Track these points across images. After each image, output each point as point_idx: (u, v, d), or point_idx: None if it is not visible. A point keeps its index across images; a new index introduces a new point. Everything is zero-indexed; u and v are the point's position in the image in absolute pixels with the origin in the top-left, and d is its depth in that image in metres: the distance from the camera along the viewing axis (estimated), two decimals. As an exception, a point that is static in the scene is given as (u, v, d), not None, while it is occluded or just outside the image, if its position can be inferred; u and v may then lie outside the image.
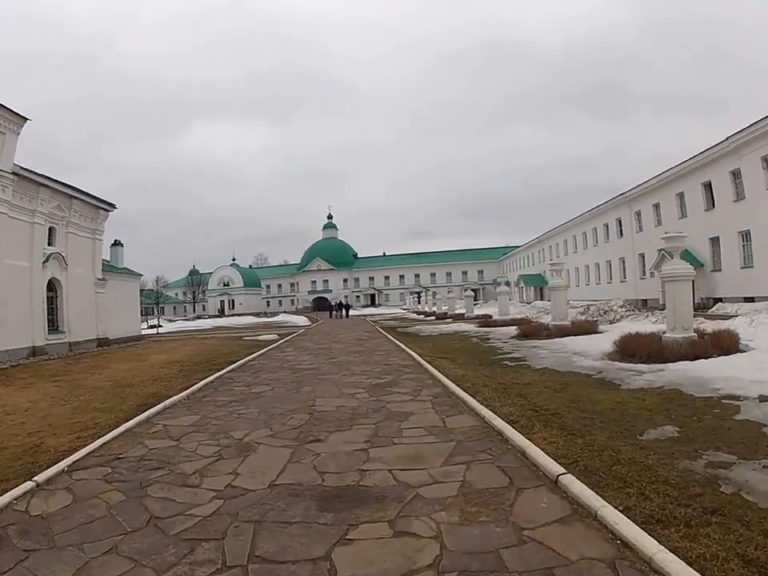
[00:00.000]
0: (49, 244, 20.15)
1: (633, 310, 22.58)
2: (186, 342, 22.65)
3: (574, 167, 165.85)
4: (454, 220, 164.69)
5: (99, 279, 23.71)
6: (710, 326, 11.61)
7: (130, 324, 27.27)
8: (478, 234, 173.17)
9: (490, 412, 5.76)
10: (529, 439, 4.64)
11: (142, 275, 31.67)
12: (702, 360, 8.83)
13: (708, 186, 28.90)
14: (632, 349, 10.04)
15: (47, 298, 19.78)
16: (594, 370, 8.91)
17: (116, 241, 29.20)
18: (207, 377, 9.89)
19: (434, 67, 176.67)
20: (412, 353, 12.70)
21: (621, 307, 23.45)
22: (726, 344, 9.52)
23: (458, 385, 7.69)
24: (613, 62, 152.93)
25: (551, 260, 39.64)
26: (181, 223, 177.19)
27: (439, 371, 9.25)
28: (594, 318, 20.21)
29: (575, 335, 15.31)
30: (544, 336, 15.90)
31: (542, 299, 55.53)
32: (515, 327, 18.62)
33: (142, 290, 78.51)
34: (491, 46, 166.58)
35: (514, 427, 5.08)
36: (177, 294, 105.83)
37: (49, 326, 19.72)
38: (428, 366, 10.10)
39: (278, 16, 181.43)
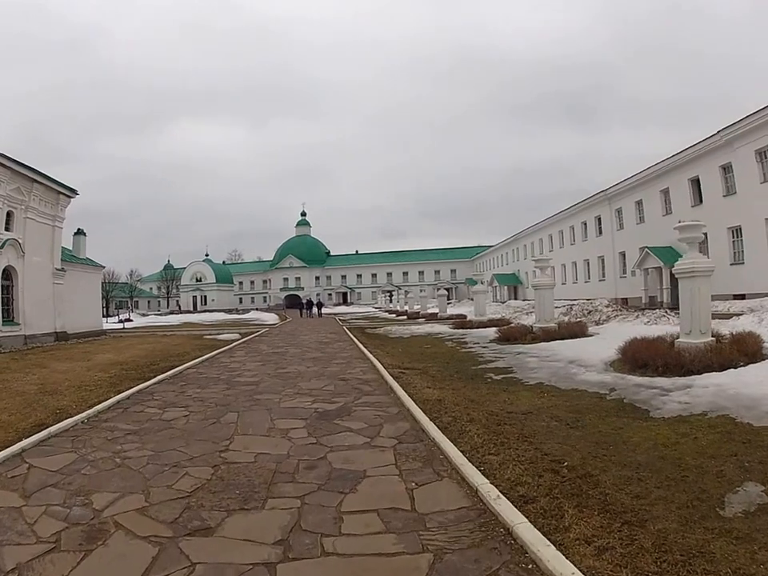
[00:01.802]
0: (6, 229, 18.53)
1: (620, 310, 21.27)
2: (144, 340, 20.65)
3: (544, 172, 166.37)
4: (423, 221, 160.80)
5: (58, 269, 21.64)
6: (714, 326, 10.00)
7: (91, 318, 25.15)
8: (447, 235, 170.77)
9: (487, 481, 3.66)
10: (563, 549, 2.62)
11: (104, 267, 28.97)
12: (732, 371, 7.14)
13: (695, 182, 27.98)
14: (643, 357, 8.30)
15: (1, 287, 18.24)
16: (604, 387, 7.12)
17: (79, 230, 26.71)
18: (132, 387, 8.39)
19: (406, 72, 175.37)
20: (376, 363, 10.53)
21: (606, 307, 22.16)
22: (751, 349, 7.92)
23: (433, 419, 5.59)
24: (583, 69, 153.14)
25: (534, 256, 37.77)
26: (158, 217, 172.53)
27: (408, 392, 7.16)
28: (578, 319, 18.76)
29: (563, 339, 13.65)
30: (528, 340, 14.19)
31: (515, 298, 54.82)
32: (494, 329, 16.84)
33: (116, 284, 78.88)
34: (463, 52, 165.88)
35: (529, 515, 3.05)
36: (151, 289, 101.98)
37: (3, 317, 18.07)
38: (394, 383, 7.97)
39: (255, 15, 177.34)
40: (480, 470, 3.90)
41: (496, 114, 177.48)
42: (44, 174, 20.46)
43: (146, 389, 8.37)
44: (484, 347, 13.55)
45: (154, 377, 9.49)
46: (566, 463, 3.97)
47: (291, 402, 7.14)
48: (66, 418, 6.11)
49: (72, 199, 23.06)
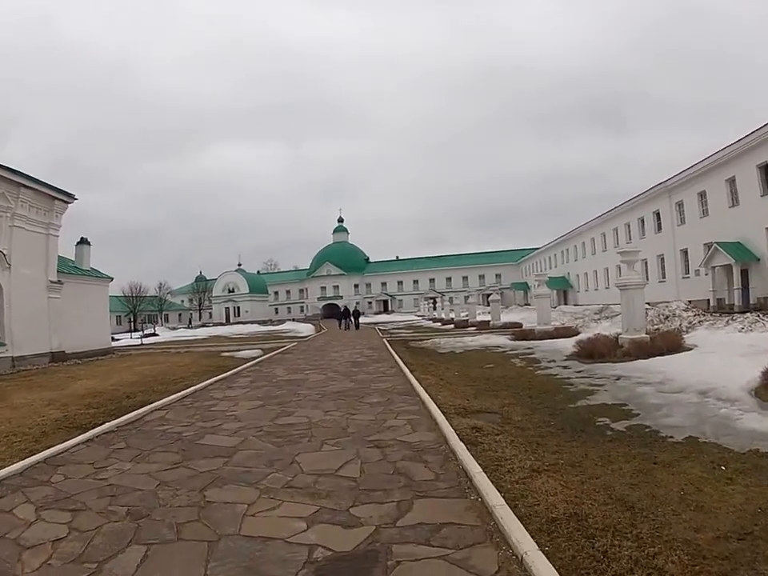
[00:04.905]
0: (-11, 239, 16.75)
1: (702, 314, 18.26)
2: (150, 359, 18.29)
3: (578, 176, 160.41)
4: (461, 228, 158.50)
5: (53, 282, 19.69)
6: None
7: (96, 335, 23.07)
8: (483, 240, 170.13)
9: None
10: None
11: (112, 278, 26.24)
12: None
13: (764, 169, 24.87)
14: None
15: (-18, 303, 16.68)
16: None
17: (82, 238, 24.61)
18: (52, 446, 5.78)
19: (439, 83, 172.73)
20: (431, 404, 7.13)
21: (685, 311, 19.16)
22: None
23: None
24: (610, 78, 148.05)
25: (618, 247, 33.68)
26: (193, 230, 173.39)
27: (499, 484, 3.85)
28: (656, 326, 15.90)
29: (662, 354, 10.76)
30: (618, 356, 11.23)
31: (566, 303, 51.60)
32: (566, 341, 13.85)
33: (143, 297, 76.59)
34: (493, 63, 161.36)
35: None
36: (183, 301, 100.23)
37: (-15, 337, 16.19)
38: (470, 461, 4.44)
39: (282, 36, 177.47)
40: None
41: (522, 123, 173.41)
42: (32, 178, 18.81)
43: (57, 455, 5.47)
44: (565, 367, 10.63)
45: (102, 423, 6.98)
46: None
47: (267, 517, 3.63)
48: None
49: (69, 205, 21.17)
